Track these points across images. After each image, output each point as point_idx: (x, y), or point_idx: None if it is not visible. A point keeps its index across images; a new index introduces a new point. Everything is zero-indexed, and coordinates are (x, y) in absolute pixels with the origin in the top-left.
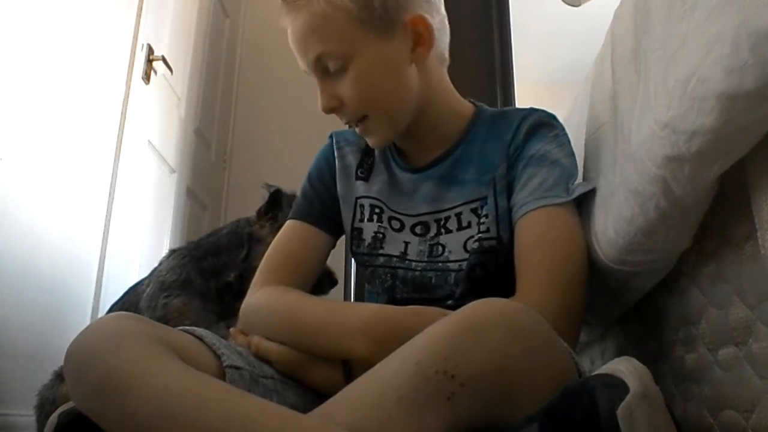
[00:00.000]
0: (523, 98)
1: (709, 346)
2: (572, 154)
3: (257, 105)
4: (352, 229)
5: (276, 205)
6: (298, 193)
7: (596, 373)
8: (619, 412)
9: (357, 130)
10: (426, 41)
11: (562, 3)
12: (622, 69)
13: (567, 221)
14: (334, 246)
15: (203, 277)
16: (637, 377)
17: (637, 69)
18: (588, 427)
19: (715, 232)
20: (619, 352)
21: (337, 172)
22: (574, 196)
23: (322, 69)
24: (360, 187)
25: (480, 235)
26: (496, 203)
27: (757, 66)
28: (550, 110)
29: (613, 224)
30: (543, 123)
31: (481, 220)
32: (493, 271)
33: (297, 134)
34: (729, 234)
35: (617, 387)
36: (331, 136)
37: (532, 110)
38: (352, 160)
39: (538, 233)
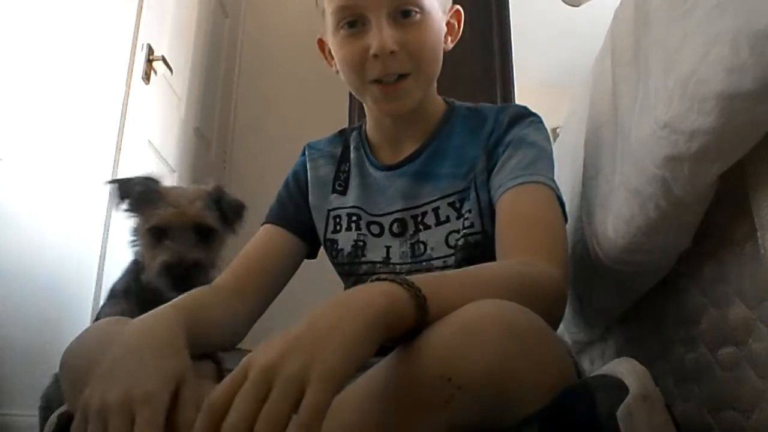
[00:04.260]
0: (523, 99)
1: (709, 346)
2: (548, 139)
3: (257, 105)
4: (325, 240)
5: (124, 196)
6: (275, 201)
7: (596, 374)
8: (619, 413)
9: (384, 91)
10: (455, 34)
11: (562, 3)
12: (622, 69)
13: (545, 197)
14: (308, 254)
15: (138, 281)
16: (637, 378)
17: (637, 69)
18: (588, 428)
19: (715, 232)
20: (619, 352)
21: (310, 183)
22: (553, 185)
23: (395, 9)
24: (334, 200)
25: (465, 231)
26: (478, 197)
27: (756, 66)
28: (549, 111)
29: (612, 224)
30: (522, 114)
31: (465, 216)
32: None
33: (297, 134)
34: (729, 234)
35: (617, 388)
36: (304, 150)
37: (507, 105)
38: (328, 171)
39: (515, 208)
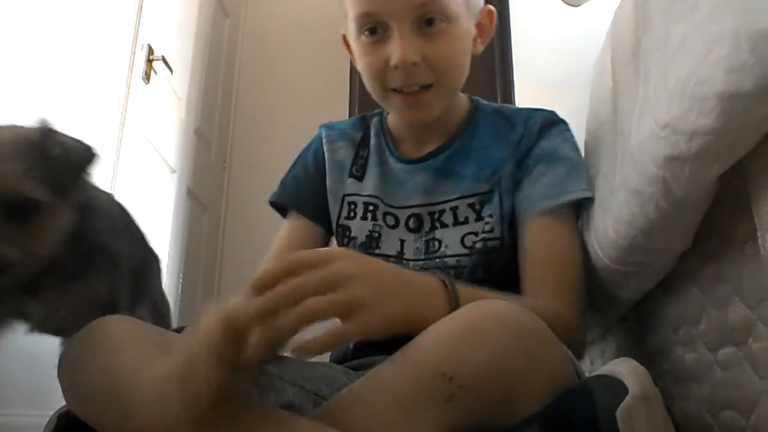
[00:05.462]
0: (523, 100)
1: (709, 346)
2: (577, 148)
3: (257, 105)
4: (338, 225)
5: None
6: (289, 178)
7: (595, 374)
8: (619, 413)
9: (406, 100)
10: (486, 35)
11: (562, 3)
12: (622, 69)
13: (570, 225)
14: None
15: None
16: (636, 379)
17: (637, 69)
18: (588, 428)
19: (715, 232)
20: (619, 352)
21: (327, 167)
22: (583, 195)
23: (419, 17)
24: (351, 185)
25: (484, 234)
26: (501, 203)
27: (757, 66)
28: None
29: (613, 224)
30: (551, 121)
31: (486, 219)
32: (495, 271)
33: (297, 134)
34: (729, 234)
35: (616, 388)
36: (320, 131)
37: (534, 110)
38: (345, 155)
39: (542, 245)
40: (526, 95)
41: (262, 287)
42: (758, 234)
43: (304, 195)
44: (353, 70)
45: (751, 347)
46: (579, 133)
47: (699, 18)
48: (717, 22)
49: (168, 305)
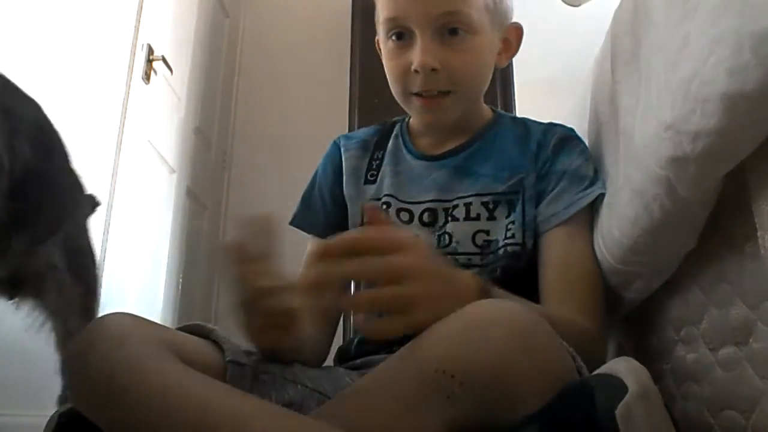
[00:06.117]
0: (523, 99)
1: (710, 345)
2: (593, 163)
3: (257, 105)
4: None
5: None
6: (304, 198)
7: (595, 373)
8: (618, 411)
9: (425, 104)
10: (512, 50)
11: (562, 3)
12: (623, 69)
13: (587, 233)
14: None
15: None
16: (636, 377)
17: (638, 69)
18: (587, 426)
19: (716, 232)
20: (620, 352)
21: (345, 174)
22: (589, 201)
23: (442, 26)
24: (368, 191)
25: (506, 240)
26: (524, 211)
27: (759, 67)
28: (549, 111)
29: (617, 224)
30: (569, 137)
31: (508, 227)
32: (512, 276)
33: (297, 134)
34: (730, 234)
35: (616, 387)
36: (335, 142)
37: (552, 124)
38: (362, 162)
39: (565, 257)
40: (525, 95)
41: (327, 254)
42: (758, 234)
43: (317, 218)
44: (353, 70)
45: (751, 347)
46: (579, 133)
47: (700, 18)
48: (718, 22)
49: (92, 254)
